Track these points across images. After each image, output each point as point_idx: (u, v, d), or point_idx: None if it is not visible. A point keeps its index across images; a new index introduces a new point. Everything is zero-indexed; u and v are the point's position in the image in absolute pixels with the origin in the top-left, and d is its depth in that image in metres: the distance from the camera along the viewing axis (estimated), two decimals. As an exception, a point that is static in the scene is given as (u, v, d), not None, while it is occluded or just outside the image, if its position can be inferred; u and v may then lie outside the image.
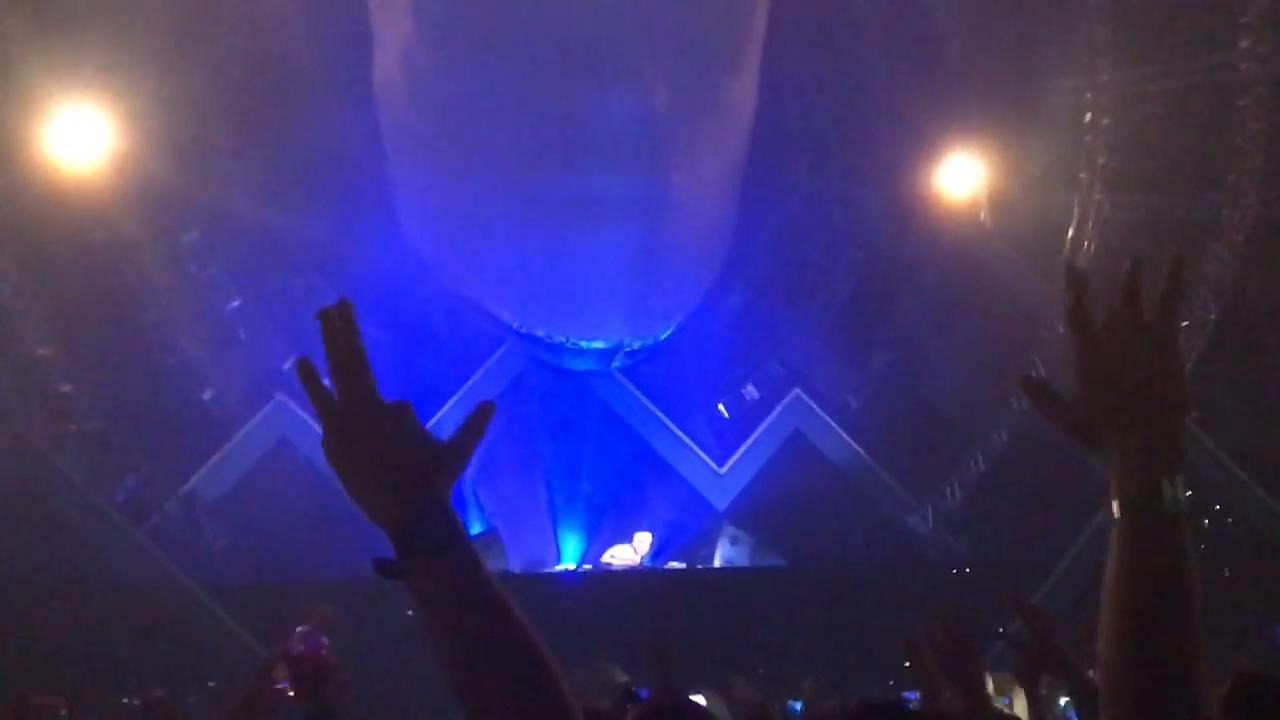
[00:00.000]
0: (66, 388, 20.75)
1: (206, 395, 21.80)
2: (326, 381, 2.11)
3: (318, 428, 2.11)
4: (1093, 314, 2.22)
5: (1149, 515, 2.12)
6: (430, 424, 2.25)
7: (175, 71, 20.69)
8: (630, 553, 22.37)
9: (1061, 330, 21.79)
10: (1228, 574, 21.29)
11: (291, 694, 3.81)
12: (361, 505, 2.11)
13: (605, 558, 22.43)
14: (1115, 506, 2.16)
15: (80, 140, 20.20)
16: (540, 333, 23.27)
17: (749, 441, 23.49)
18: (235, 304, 22.09)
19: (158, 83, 20.44)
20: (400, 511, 2.07)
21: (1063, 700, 9.31)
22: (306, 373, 2.12)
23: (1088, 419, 2.21)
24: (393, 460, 2.10)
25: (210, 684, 17.84)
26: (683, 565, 22.48)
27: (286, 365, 21.12)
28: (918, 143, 23.12)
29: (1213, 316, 22.29)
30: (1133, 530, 2.13)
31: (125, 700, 15.86)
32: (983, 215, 23.05)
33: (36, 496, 19.61)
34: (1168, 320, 2.21)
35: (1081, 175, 23.05)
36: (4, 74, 19.58)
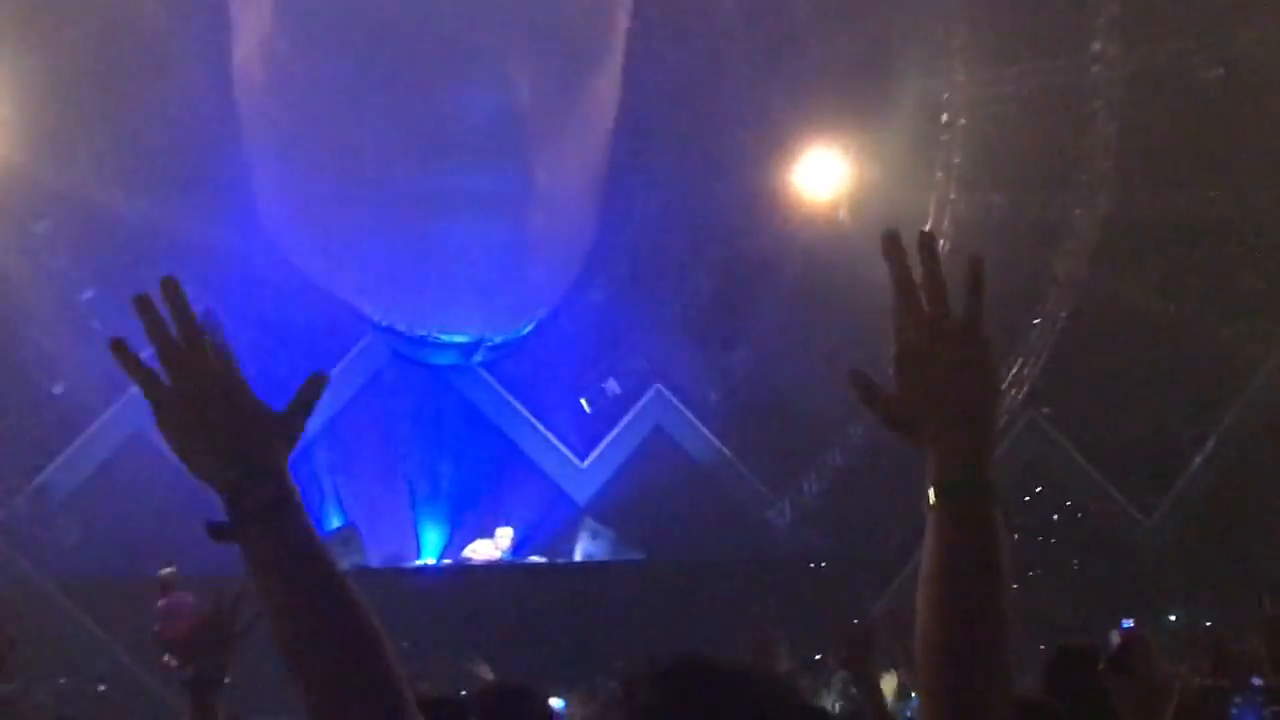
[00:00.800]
0: (-88, 380, 20.25)
1: (58, 388, 21.33)
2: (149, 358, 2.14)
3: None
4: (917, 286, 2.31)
5: (963, 500, 2.21)
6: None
7: (27, 55, 20.22)
8: (491, 547, 22.29)
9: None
10: (1076, 569, 21.80)
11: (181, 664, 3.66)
12: (196, 471, 2.13)
13: (466, 552, 22.33)
14: (931, 494, 2.24)
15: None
16: (401, 326, 23.08)
17: (610, 436, 23.57)
18: (89, 295, 21.60)
19: (8, 66, 19.99)
20: (233, 475, 2.09)
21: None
22: (123, 353, 2.15)
23: (906, 414, 2.30)
24: (225, 426, 2.12)
25: (61, 680, 17.51)
26: (543, 560, 22.47)
27: (144, 356, 20.73)
28: (778, 140, 23.29)
29: (1064, 314, 22.78)
30: (947, 514, 2.22)
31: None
32: (841, 213, 23.29)
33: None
34: (973, 320, 2.30)
35: (937, 174, 23.39)
36: None
